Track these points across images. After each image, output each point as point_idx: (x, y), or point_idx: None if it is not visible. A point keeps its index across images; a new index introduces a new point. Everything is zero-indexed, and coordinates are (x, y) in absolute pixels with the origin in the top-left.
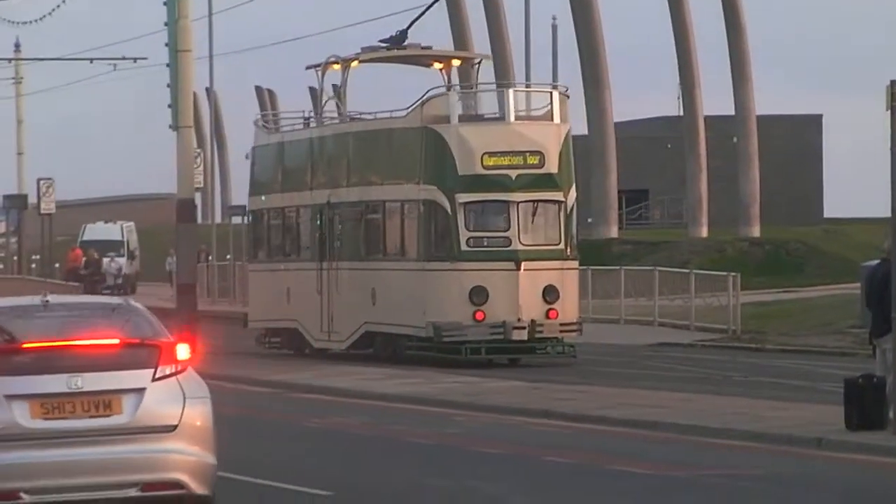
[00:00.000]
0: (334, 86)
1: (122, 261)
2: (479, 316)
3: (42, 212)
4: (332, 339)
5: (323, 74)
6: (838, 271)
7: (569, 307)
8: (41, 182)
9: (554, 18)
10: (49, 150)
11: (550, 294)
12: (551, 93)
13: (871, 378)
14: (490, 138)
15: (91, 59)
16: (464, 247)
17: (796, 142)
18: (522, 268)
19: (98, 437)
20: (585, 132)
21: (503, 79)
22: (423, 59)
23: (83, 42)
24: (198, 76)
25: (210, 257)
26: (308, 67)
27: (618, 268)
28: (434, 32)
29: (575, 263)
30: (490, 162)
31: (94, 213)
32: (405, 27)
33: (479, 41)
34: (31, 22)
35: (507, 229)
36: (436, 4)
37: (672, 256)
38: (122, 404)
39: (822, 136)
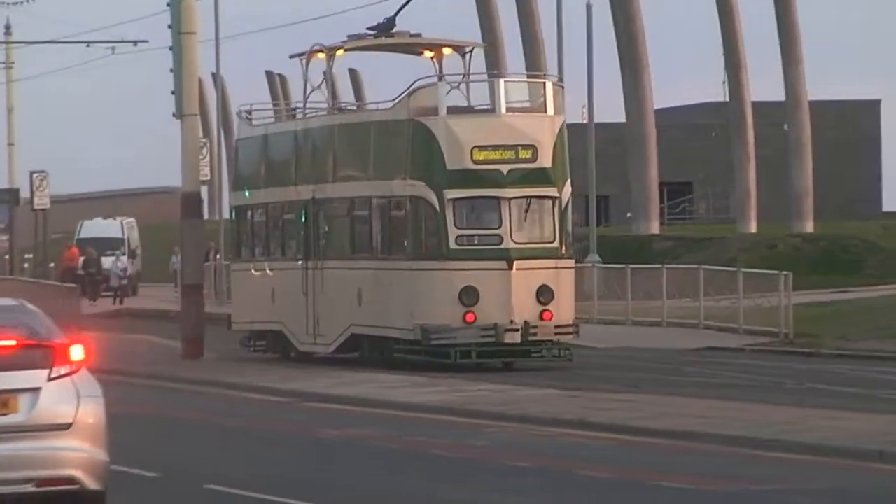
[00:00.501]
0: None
1: (127, 260)
2: (470, 318)
3: (35, 207)
4: (318, 343)
5: (307, 63)
6: None
7: (564, 308)
8: (34, 175)
9: None
10: (43, 141)
11: (544, 294)
12: (544, 83)
13: None
14: (480, 131)
15: (88, 43)
16: (453, 245)
17: (852, 129)
18: (515, 267)
19: None
20: (623, 119)
21: (535, 67)
22: (412, 47)
23: (79, 24)
24: (203, 60)
25: (219, 255)
26: (292, 56)
27: (659, 266)
28: (446, 16)
29: (570, 262)
30: (480, 156)
31: (92, 209)
32: (393, 14)
33: (508, 24)
34: (22, 2)
35: (499, 227)
36: None
37: (718, 254)
38: (19, 403)
39: (881, 123)
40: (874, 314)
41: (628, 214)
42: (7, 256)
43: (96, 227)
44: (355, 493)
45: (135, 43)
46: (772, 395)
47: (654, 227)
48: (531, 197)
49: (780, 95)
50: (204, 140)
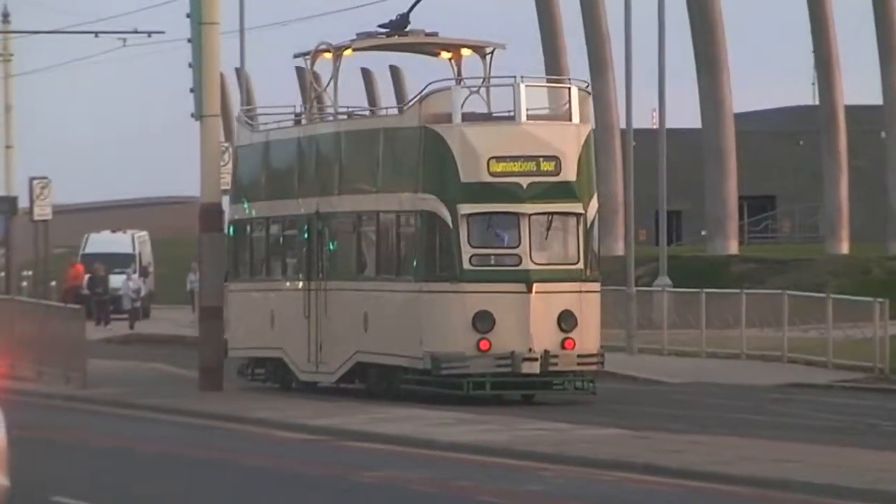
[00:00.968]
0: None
1: (139, 279)
2: (484, 345)
3: (36, 218)
4: (320, 371)
5: (312, 64)
6: None
7: (588, 336)
8: (35, 182)
9: None
10: (44, 144)
11: (567, 321)
12: (569, 88)
13: None
14: (498, 140)
15: (96, 33)
16: (466, 265)
17: None
18: (534, 290)
19: None
20: (698, 125)
21: (599, 65)
22: (427, 47)
23: (86, 12)
24: (226, 54)
25: None
26: (296, 56)
27: (738, 291)
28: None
29: (596, 286)
30: (498, 168)
31: (99, 221)
32: (406, 10)
33: (570, 20)
34: None
35: (517, 246)
36: None
37: (805, 278)
38: None
39: None
40: None
41: (703, 232)
42: (2, 273)
43: (104, 242)
44: None
45: (149, 34)
46: (865, 437)
47: (733, 247)
48: (553, 213)
49: (876, 98)
50: (226, 144)
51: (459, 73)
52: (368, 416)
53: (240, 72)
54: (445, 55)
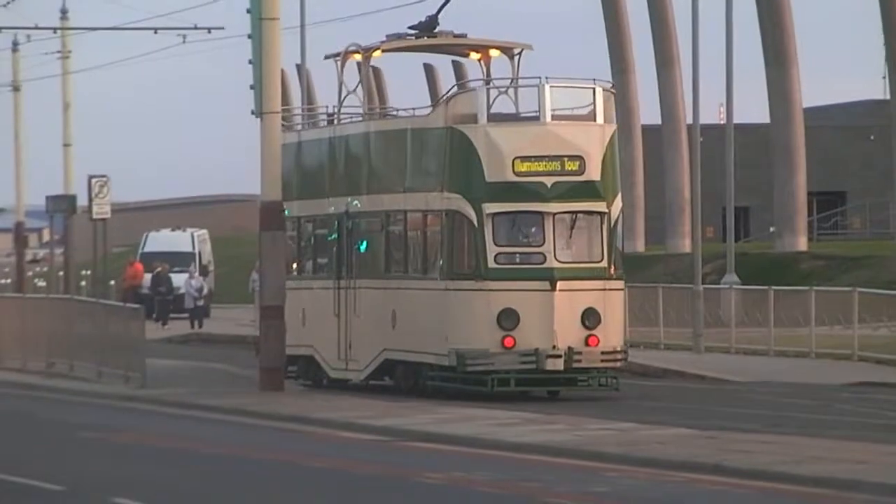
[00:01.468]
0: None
1: (202, 278)
2: (509, 342)
3: (94, 216)
4: (350, 369)
5: (342, 65)
6: None
7: (612, 333)
8: (93, 180)
9: None
10: (103, 142)
11: (590, 318)
12: (594, 89)
13: None
14: (523, 140)
15: (155, 30)
16: (492, 264)
17: None
18: (558, 288)
19: None
20: (767, 120)
21: (666, 58)
22: (456, 48)
23: (145, 8)
24: (287, 50)
25: None
26: (327, 57)
27: (807, 289)
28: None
29: (620, 284)
30: (522, 167)
31: (158, 219)
32: (435, 12)
33: (637, 13)
34: None
35: (542, 244)
36: None
37: (876, 275)
38: None
39: None
40: None
41: (771, 229)
42: (61, 273)
43: (163, 240)
44: None
45: (209, 30)
46: None
47: (802, 244)
48: (577, 212)
49: None
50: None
51: (488, 74)
52: (433, 416)
53: (300, 68)
54: (474, 56)
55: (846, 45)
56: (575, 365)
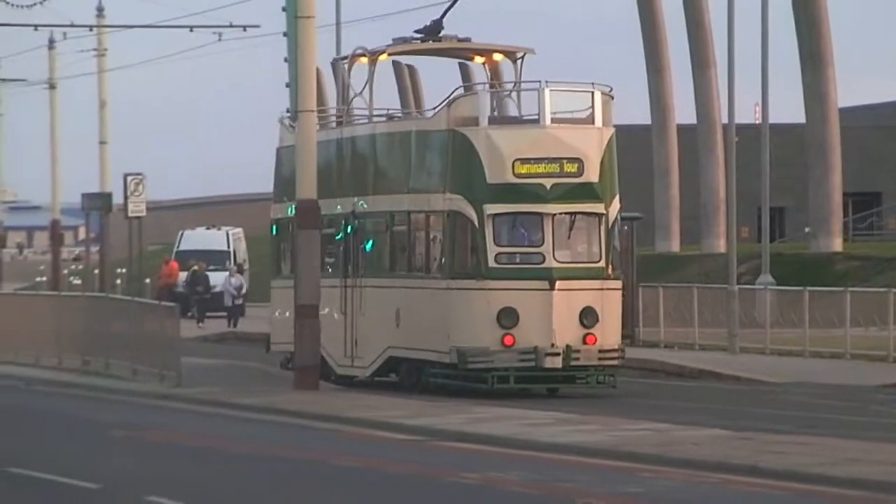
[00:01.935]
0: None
1: (241, 277)
2: (508, 340)
3: (130, 214)
4: (356, 366)
5: (350, 68)
6: None
7: (609, 332)
8: (129, 178)
9: None
10: (138, 139)
11: (588, 317)
12: (593, 93)
13: None
14: (523, 143)
15: (191, 27)
16: (492, 263)
17: None
18: (557, 287)
19: None
20: (802, 120)
21: (701, 58)
22: (461, 52)
23: (181, 6)
24: (322, 48)
25: None
26: (335, 60)
27: (842, 289)
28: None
29: (617, 283)
30: (522, 169)
31: (193, 217)
32: (439, 17)
33: (672, 11)
34: None
35: (541, 244)
36: None
37: None
38: None
39: None
40: None
41: (806, 229)
42: (97, 271)
43: (199, 239)
44: None
45: (244, 28)
46: None
47: (837, 245)
48: (576, 213)
49: None
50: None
51: (493, 77)
52: (466, 415)
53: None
54: (479, 59)
55: (882, 45)
56: (573, 363)
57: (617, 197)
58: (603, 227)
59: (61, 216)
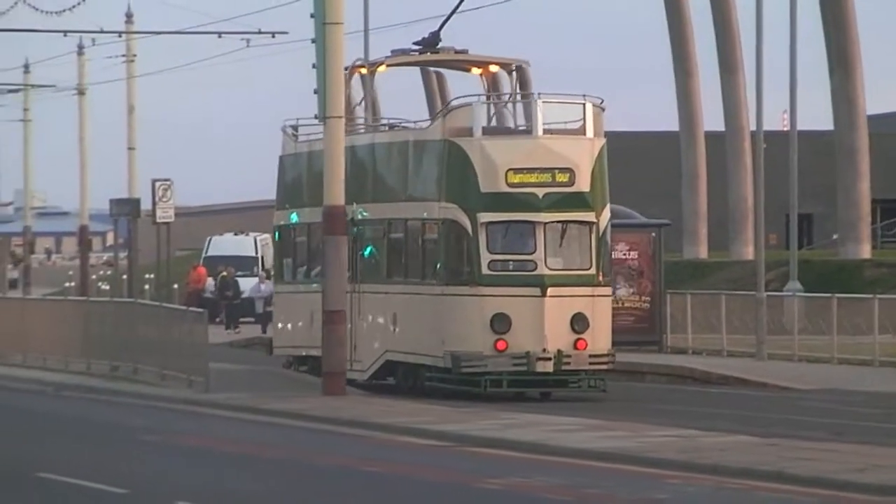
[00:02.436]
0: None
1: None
2: (501, 345)
3: (158, 220)
4: (355, 369)
5: (349, 78)
6: None
7: (599, 337)
8: (157, 184)
9: None
10: (166, 145)
11: (579, 323)
12: (584, 105)
13: None
14: (516, 153)
15: (220, 34)
16: (485, 270)
17: None
18: (548, 294)
19: None
20: (830, 127)
21: (729, 63)
22: (458, 63)
23: (210, 12)
24: (350, 54)
25: None
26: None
27: (871, 296)
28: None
29: (607, 290)
30: (515, 179)
31: (221, 223)
32: (437, 29)
33: (700, 18)
34: None
35: (533, 252)
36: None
37: None
38: None
39: None
40: None
41: (835, 236)
42: (125, 276)
43: (227, 244)
44: None
45: (272, 34)
46: None
47: (865, 251)
48: (567, 222)
49: None
50: None
51: (489, 89)
52: (493, 421)
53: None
54: (476, 71)
55: None
56: (564, 367)
57: (608, 206)
58: (594, 235)
59: (90, 222)
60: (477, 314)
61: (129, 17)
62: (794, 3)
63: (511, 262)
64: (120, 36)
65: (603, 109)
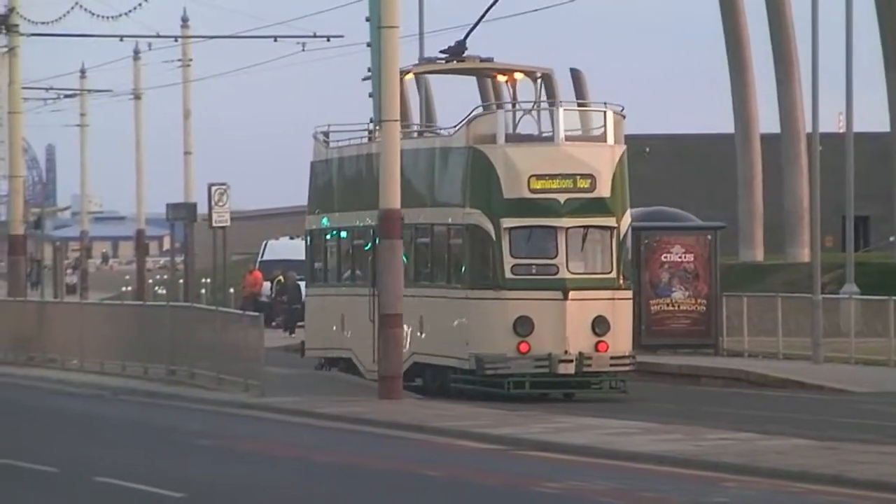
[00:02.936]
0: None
1: None
2: (524, 348)
3: (214, 224)
4: None
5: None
6: None
7: (620, 339)
8: (214, 188)
9: None
10: (222, 149)
11: (600, 325)
12: (605, 112)
13: None
14: (538, 160)
15: (275, 38)
16: (508, 274)
17: None
18: (570, 297)
19: None
20: (887, 128)
21: (785, 65)
22: (484, 71)
23: (265, 16)
24: (405, 58)
25: None
26: (364, 79)
27: None
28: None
29: (628, 293)
30: (537, 185)
31: (276, 227)
32: (463, 37)
33: (755, 22)
34: None
35: (555, 256)
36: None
37: None
38: None
39: None
40: None
41: (891, 238)
42: (182, 280)
43: (282, 249)
44: None
45: (328, 38)
46: None
47: None
48: (588, 227)
49: None
50: None
51: (514, 96)
52: (549, 425)
53: (419, 77)
54: (501, 79)
55: None
56: (585, 369)
57: (628, 211)
58: (614, 240)
59: (146, 226)
60: (500, 317)
61: (184, 21)
62: (850, 1)
63: (534, 267)
64: (176, 40)
65: (623, 117)
